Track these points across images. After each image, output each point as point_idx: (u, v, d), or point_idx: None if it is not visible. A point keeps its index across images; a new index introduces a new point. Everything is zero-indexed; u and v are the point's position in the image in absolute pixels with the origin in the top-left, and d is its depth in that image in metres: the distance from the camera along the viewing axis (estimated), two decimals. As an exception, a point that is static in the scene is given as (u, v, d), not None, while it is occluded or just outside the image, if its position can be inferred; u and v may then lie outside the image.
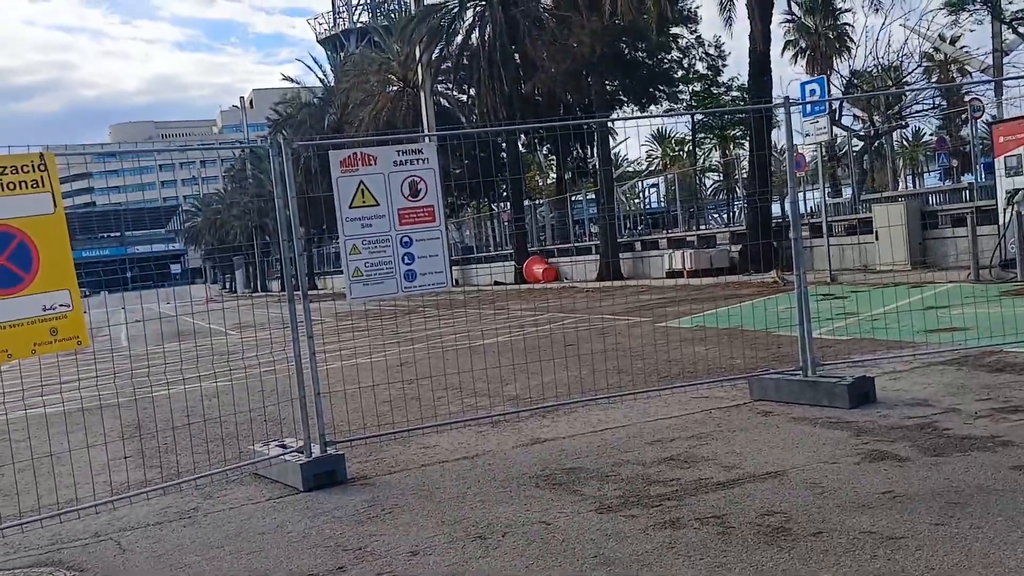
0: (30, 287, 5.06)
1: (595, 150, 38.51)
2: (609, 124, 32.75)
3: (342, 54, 69.93)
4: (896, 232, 19.12)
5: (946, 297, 14.00)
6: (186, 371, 10.29)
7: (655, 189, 46.13)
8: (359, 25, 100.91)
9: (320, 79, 57.62)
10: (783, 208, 27.51)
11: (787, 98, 7.12)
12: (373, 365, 12.02)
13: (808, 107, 18.70)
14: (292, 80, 62.37)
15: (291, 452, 6.36)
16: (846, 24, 44.77)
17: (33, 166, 5.12)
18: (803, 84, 19.40)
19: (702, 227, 32.49)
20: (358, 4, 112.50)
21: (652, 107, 35.81)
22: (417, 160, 6.45)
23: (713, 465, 5.64)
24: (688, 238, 28.59)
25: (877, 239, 20.00)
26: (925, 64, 39.64)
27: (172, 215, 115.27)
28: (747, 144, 42.31)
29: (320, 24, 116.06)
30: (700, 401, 7.75)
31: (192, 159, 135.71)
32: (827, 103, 18.84)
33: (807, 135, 19.23)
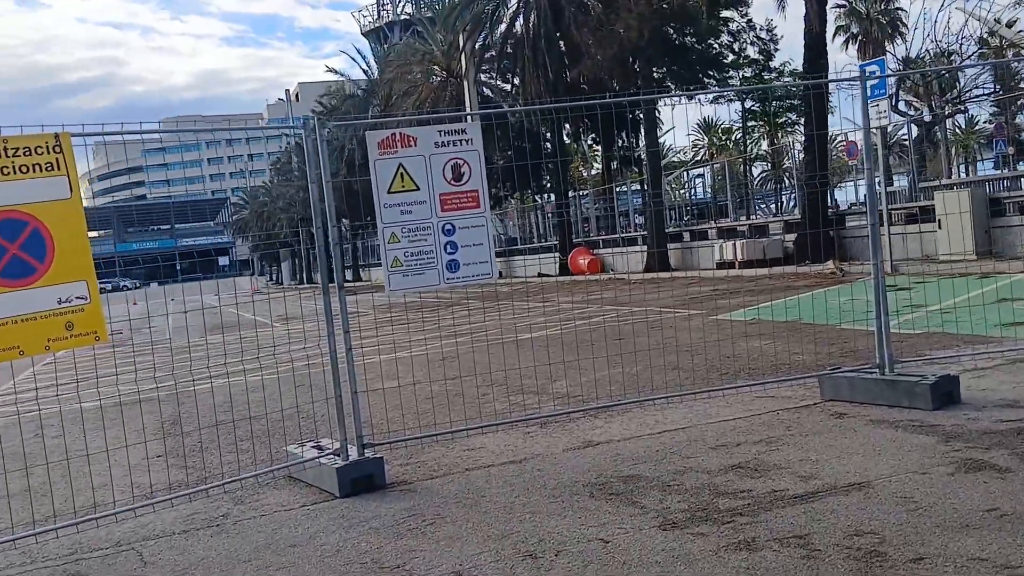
0: (44, 278, 4.69)
1: (640, 139, 37.81)
2: (656, 112, 31.95)
3: (385, 46, 69.78)
4: (960, 220, 18.23)
5: (1020, 288, 13.19)
6: (227, 364, 9.98)
7: (701, 179, 45.23)
8: (403, 17, 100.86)
9: (364, 71, 57.47)
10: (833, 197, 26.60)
11: (863, 70, 6.50)
12: (414, 360, 11.62)
13: (868, 90, 17.85)
14: (337, 72, 62.36)
15: (327, 454, 5.95)
16: (899, 9, 43.43)
17: (48, 147, 4.75)
18: (862, 66, 18.54)
19: (753, 217, 31.63)
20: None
21: (700, 95, 34.99)
22: (460, 141, 5.98)
23: (787, 474, 5.09)
24: (739, 228, 27.79)
25: (940, 228, 19.10)
26: (981, 50, 38.23)
27: (220, 208, 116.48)
28: (799, 130, 41.22)
29: (364, 16, 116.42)
30: (765, 401, 7.19)
31: (239, 153, 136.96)
32: (887, 86, 17.95)
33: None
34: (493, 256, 6.06)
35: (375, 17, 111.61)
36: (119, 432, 7.28)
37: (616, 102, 7.33)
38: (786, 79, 35.85)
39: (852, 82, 7.21)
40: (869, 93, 18.06)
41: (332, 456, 5.90)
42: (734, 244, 24.69)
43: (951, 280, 14.68)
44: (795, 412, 6.73)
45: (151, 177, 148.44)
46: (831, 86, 22.88)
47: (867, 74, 6.46)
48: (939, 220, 19.03)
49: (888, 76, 16.46)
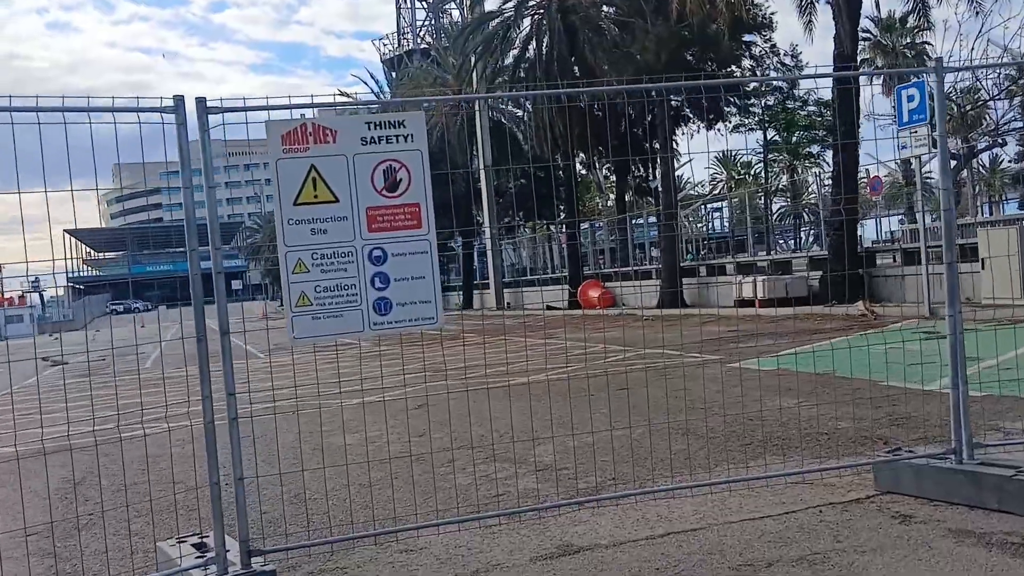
0: None
1: (656, 170, 36.34)
2: (673, 142, 30.43)
3: (398, 72, 68.88)
4: (1008, 263, 16.49)
5: (1088, 340, 11.43)
6: (172, 408, 8.40)
7: (718, 213, 43.74)
8: (423, 46, 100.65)
9: (376, 94, 56.43)
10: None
11: (940, 60, 4.88)
12: (384, 406, 10.00)
13: (905, 115, 16.25)
14: (347, 95, 61.29)
15: (203, 563, 4.32)
16: (926, 43, 41.91)
17: None
18: (900, 89, 16.95)
19: (773, 252, 29.95)
20: (423, 25, 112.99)
21: (720, 123, 33.54)
22: (398, 137, 4.40)
23: (848, 633, 3.42)
24: (759, 263, 26.09)
25: (983, 268, 17.37)
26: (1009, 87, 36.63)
27: (235, 232, 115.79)
28: (823, 162, 39.64)
29: (385, 45, 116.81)
30: (803, 490, 5.50)
31: (258, 179, 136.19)
32: (927, 108, 16.23)
33: (903, 147, 16.78)
34: (439, 294, 4.45)
35: (395, 46, 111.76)
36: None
37: (648, 87, 5.71)
38: (811, 108, 34.32)
39: (918, 75, 5.57)
40: (907, 118, 16.50)
41: (208, 566, 4.27)
42: (754, 281, 22.98)
43: (1005, 328, 12.93)
44: (843, 510, 5.05)
45: (170, 199, 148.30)
46: (860, 118, 21.42)
47: (943, 63, 4.84)
48: (983, 260, 17.30)
49: (977, 67, 14.78)
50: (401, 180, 4.39)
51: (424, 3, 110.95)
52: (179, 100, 4.11)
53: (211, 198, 4.20)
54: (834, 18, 20.49)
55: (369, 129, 4.36)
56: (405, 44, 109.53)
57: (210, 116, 4.19)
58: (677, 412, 8.35)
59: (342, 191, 4.33)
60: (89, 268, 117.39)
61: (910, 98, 16.92)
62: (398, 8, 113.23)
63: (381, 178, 4.38)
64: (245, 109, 4.25)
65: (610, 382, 11.12)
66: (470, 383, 11.79)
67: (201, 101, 4.17)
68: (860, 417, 7.57)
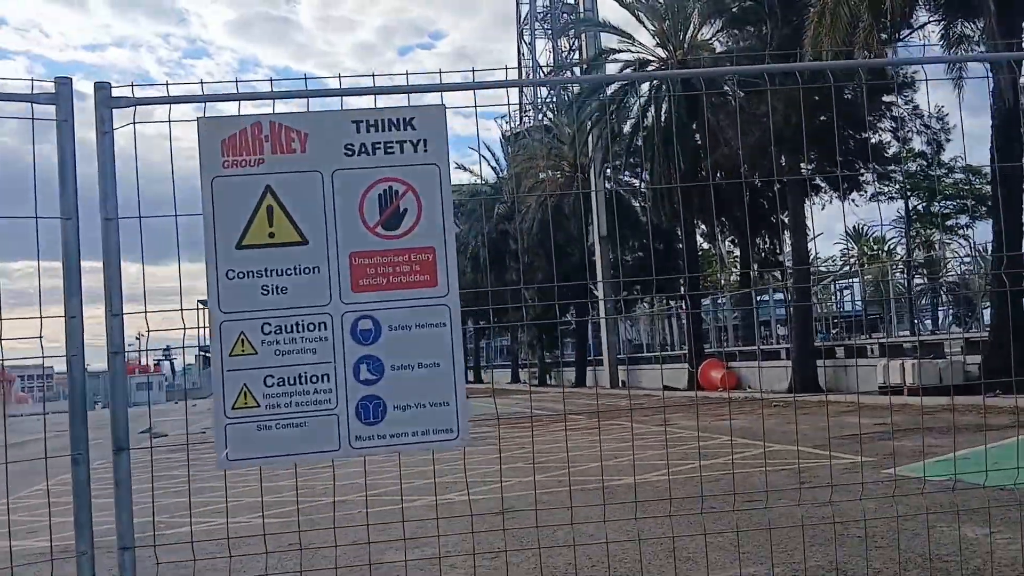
0: None
1: (784, 243, 34.01)
2: (806, 213, 28.14)
3: (514, 145, 68.92)
4: None
5: None
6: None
7: (849, 290, 40.80)
8: (544, 123, 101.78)
9: (492, 167, 56.18)
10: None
11: None
12: (457, 509, 8.31)
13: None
14: (465, 168, 61.49)
15: None
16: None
17: None
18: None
19: (923, 332, 27.02)
20: (544, 101, 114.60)
21: (855, 192, 31.07)
22: (401, 144, 2.83)
23: None
24: (905, 344, 23.33)
25: None
26: None
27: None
28: (969, 235, 36.38)
29: (507, 123, 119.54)
30: None
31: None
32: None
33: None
34: (462, 392, 2.78)
35: (517, 123, 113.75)
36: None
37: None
38: (958, 175, 31.40)
39: None
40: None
41: None
42: (902, 364, 20.31)
43: None
44: None
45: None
46: None
47: None
48: None
49: None
50: (406, 210, 2.82)
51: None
52: (62, 84, 2.66)
53: (110, 235, 2.70)
54: (992, 69, 18.14)
55: (358, 131, 2.83)
56: (527, 121, 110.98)
57: (116, 112, 2.71)
58: (825, 542, 6.34)
59: (313, 226, 2.78)
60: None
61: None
62: (520, 88, 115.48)
63: (375, 207, 2.82)
64: (170, 101, 2.76)
65: (734, 487, 9.15)
66: (565, 480, 10.03)
67: (103, 88, 2.70)
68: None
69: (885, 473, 9.82)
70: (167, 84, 2.82)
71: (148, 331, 2.85)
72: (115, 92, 2.75)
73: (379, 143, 2.86)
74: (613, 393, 33.25)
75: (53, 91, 2.70)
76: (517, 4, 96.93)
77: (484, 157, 54.96)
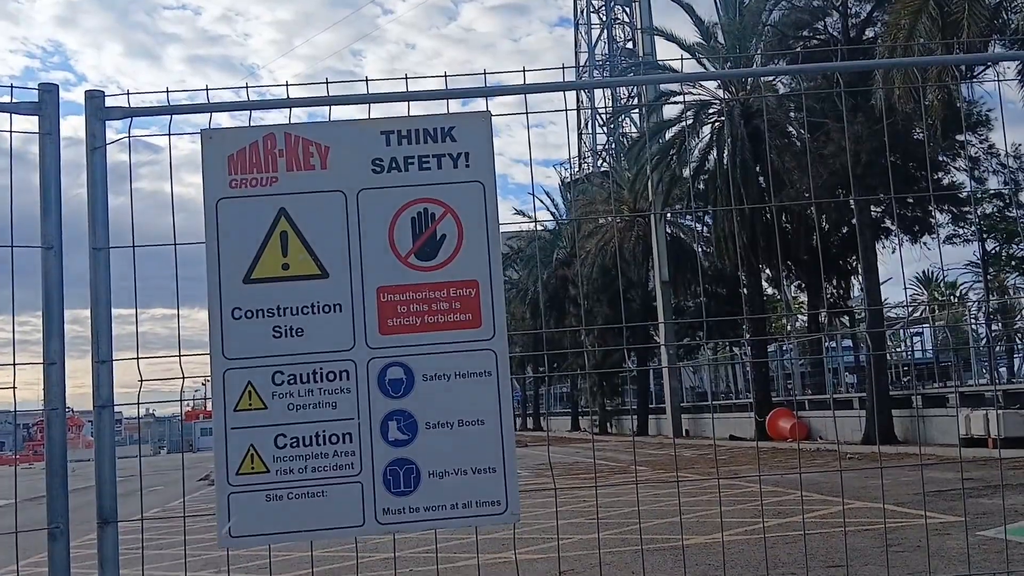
0: None
1: (853, 288, 32.88)
2: (876, 256, 27.10)
3: (573, 192, 68.81)
4: None
5: None
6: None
7: (919, 337, 39.32)
8: (603, 168, 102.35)
9: (552, 212, 55.98)
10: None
11: None
12: (523, 567, 7.75)
13: None
14: (523, 214, 61.49)
15: None
16: None
17: None
18: None
19: (1008, 381, 25.63)
20: (603, 148, 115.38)
21: (927, 235, 29.88)
22: (439, 158, 2.38)
23: None
24: (987, 394, 22.05)
25: None
26: None
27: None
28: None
29: (566, 169, 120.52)
30: None
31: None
32: None
33: None
34: (511, 457, 2.29)
35: (576, 169, 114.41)
36: None
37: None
38: (1039, 216, 29.93)
39: None
40: None
41: None
42: (985, 415, 19.13)
43: None
44: None
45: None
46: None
47: None
48: None
49: None
50: (444, 236, 2.38)
51: (605, 128, 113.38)
52: (47, 92, 2.28)
53: (98, 267, 2.29)
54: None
55: (388, 143, 2.41)
56: (586, 167, 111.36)
57: (109, 124, 2.33)
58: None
59: (335, 256, 2.35)
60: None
61: None
62: (580, 134, 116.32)
63: (408, 233, 2.38)
64: (171, 111, 2.37)
65: (813, 551, 8.43)
66: (629, 539, 9.42)
67: (95, 97, 2.32)
68: None
69: (978, 535, 8.98)
70: (167, 91, 2.46)
71: (141, 380, 2.45)
72: (109, 102, 2.38)
73: (412, 157, 2.42)
74: (678, 443, 32.33)
75: (36, 100, 2.34)
76: (576, 52, 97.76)
77: (540, 200, 54.88)
